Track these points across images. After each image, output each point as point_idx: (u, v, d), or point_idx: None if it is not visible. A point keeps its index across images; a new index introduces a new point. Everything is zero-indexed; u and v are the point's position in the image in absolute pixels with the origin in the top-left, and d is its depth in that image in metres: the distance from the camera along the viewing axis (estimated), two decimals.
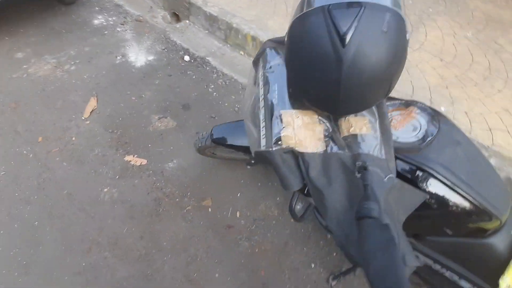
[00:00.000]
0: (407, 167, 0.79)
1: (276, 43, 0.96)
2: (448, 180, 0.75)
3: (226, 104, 2.18)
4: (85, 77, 2.27)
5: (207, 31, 2.77)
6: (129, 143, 1.92)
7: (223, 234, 1.59)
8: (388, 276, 0.46)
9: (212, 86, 2.30)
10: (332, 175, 0.74)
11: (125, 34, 2.67)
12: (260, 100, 0.86)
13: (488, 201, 0.70)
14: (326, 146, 0.77)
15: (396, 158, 0.79)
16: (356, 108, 0.74)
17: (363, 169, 0.70)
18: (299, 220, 1.09)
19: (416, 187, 0.77)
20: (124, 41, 2.60)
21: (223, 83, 2.34)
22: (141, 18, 2.83)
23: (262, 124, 0.82)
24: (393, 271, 0.46)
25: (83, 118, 2.02)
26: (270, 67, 0.87)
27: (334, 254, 1.56)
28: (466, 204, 0.75)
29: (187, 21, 2.85)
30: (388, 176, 0.72)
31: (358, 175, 0.70)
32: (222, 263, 1.49)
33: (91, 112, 2.05)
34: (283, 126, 0.77)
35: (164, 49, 2.55)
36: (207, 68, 2.43)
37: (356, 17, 0.54)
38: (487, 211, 0.70)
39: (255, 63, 0.97)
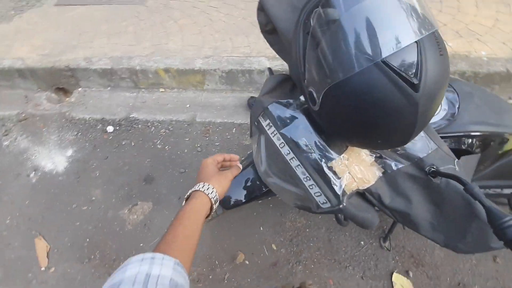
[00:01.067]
0: (453, 142, 0.76)
1: (268, 95, 0.79)
2: (485, 131, 0.75)
3: (186, 151, 1.91)
4: (8, 221, 1.71)
5: (109, 88, 2.32)
6: (117, 258, 1.56)
7: (274, 274, 1.45)
8: None
9: (159, 141, 1.97)
10: (407, 192, 0.67)
11: (18, 144, 2.07)
12: (290, 160, 0.72)
13: None
14: (384, 168, 0.69)
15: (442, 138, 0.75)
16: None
17: (436, 173, 0.65)
18: (345, 224, 1.04)
19: (468, 152, 0.76)
20: (23, 152, 2.01)
21: (167, 131, 2.03)
22: (23, 115, 2.21)
23: (309, 183, 0.68)
24: None
25: (43, 268, 1.54)
26: (284, 123, 0.71)
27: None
28: (500, 137, 0.79)
29: (80, 89, 2.34)
30: (455, 161, 0.68)
31: (437, 180, 0.65)
32: None
33: (48, 257, 1.58)
34: (340, 177, 0.66)
35: (77, 134, 2.06)
36: (139, 125, 2.06)
37: (416, 56, 0.41)
38: None
39: (257, 125, 0.79)
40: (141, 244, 1.57)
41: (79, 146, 1.97)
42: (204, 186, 0.53)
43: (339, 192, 0.65)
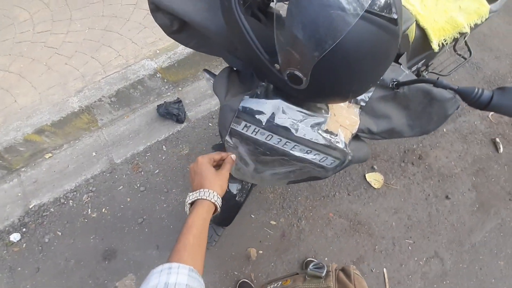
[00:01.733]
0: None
1: (229, 96, 0.66)
2: None
3: (129, 199, 1.61)
4: None
5: None
6: None
7: (288, 243, 1.47)
8: None
9: (89, 210, 1.59)
10: (385, 112, 0.71)
11: None
12: (283, 146, 0.66)
13: None
14: (359, 104, 0.71)
15: None
16: None
17: (398, 84, 0.70)
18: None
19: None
20: None
21: (90, 194, 1.64)
22: None
23: (311, 155, 0.66)
24: None
25: None
26: (263, 115, 0.63)
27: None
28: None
29: None
30: (400, 66, 0.75)
31: (401, 90, 0.70)
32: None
33: None
34: (336, 134, 0.65)
35: None
36: (51, 210, 1.59)
37: None
38: None
39: (230, 134, 0.68)
40: None
41: None
42: (207, 193, 0.51)
43: (343, 146, 0.64)
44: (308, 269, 0.61)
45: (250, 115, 0.60)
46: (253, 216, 1.50)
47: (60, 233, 1.49)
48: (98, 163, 1.69)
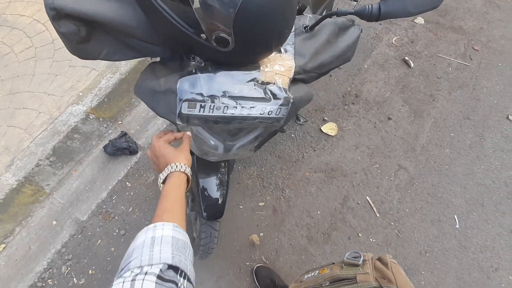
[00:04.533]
0: None
1: (164, 80, 0.70)
2: None
3: (113, 249, 1.55)
4: None
5: None
6: None
7: (283, 216, 1.58)
8: None
9: (75, 279, 1.50)
10: (310, 50, 0.80)
11: None
12: (239, 114, 0.74)
13: None
14: (287, 50, 0.82)
15: None
16: None
17: (308, 28, 0.84)
18: (284, 130, 1.24)
19: None
20: None
21: (68, 263, 1.54)
22: None
23: (259, 110, 0.72)
24: None
25: None
26: (209, 90, 0.69)
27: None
28: None
29: None
30: (303, 15, 0.89)
31: (315, 30, 0.83)
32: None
33: None
34: (273, 83, 0.72)
35: None
36: None
37: None
38: None
39: (180, 114, 0.72)
40: None
41: None
42: (174, 166, 0.54)
43: (283, 93, 0.72)
44: (345, 258, 0.62)
45: (198, 95, 0.67)
46: (241, 207, 1.57)
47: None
48: (63, 229, 1.59)
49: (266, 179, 1.63)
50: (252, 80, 0.69)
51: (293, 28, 0.80)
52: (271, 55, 0.75)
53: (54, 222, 1.60)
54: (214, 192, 1.09)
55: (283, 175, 1.63)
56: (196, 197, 1.08)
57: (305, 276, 0.71)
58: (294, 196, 1.57)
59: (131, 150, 1.73)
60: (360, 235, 1.47)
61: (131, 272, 0.33)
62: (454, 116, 1.78)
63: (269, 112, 0.73)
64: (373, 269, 0.57)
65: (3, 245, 1.55)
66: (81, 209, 1.63)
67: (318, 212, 1.53)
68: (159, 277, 0.32)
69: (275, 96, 0.71)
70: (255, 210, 1.55)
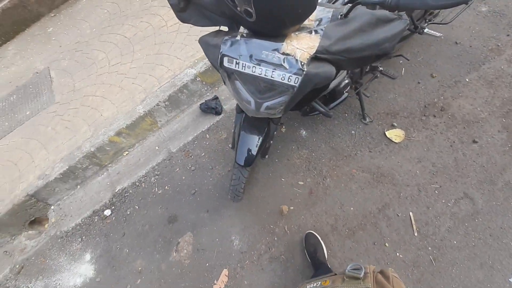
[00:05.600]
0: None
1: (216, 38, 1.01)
2: None
3: (184, 177, 2.04)
4: None
5: (79, 186, 2.33)
6: None
7: (316, 198, 1.67)
8: None
9: (156, 188, 2.07)
10: (341, 34, 0.89)
11: None
12: (265, 73, 0.94)
13: None
14: (317, 33, 0.93)
15: None
16: None
17: (344, 14, 0.93)
18: (331, 114, 1.33)
19: None
20: None
21: (156, 177, 2.13)
22: (17, 267, 2.10)
23: (280, 75, 0.90)
24: None
25: None
26: (246, 52, 0.95)
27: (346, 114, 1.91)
28: None
29: (52, 207, 2.30)
30: (345, 5, 1.00)
31: (349, 16, 0.92)
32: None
33: None
34: (293, 55, 0.89)
35: (81, 239, 2.04)
36: (130, 191, 2.12)
37: None
38: None
39: (221, 65, 0.99)
40: (207, 264, 1.68)
41: (91, 246, 1.97)
42: None
43: (298, 64, 0.88)
44: (346, 270, 0.62)
45: (235, 53, 0.94)
46: (283, 179, 1.78)
47: (137, 207, 2.00)
48: (160, 154, 2.21)
49: (313, 163, 1.77)
50: (276, 49, 0.91)
51: (330, 15, 0.94)
52: (301, 34, 0.93)
53: (156, 148, 2.25)
54: (249, 144, 1.35)
55: (330, 164, 1.73)
56: (235, 145, 1.37)
57: (307, 286, 0.73)
58: (333, 187, 1.66)
59: (217, 111, 2.20)
60: (387, 245, 1.44)
61: None
62: None
63: (288, 78, 0.92)
64: (374, 283, 0.57)
65: (126, 152, 2.32)
66: (174, 144, 2.22)
67: (352, 208, 1.57)
68: None
69: (291, 65, 0.90)
70: (293, 186, 1.73)
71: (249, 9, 0.78)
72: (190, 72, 2.23)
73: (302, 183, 1.69)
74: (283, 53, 0.87)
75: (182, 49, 2.44)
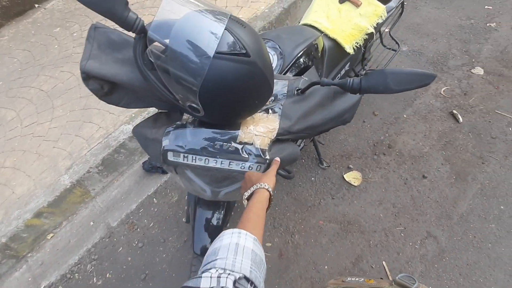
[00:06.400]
0: (296, 67, 1.03)
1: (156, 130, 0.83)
2: (302, 48, 1.06)
3: (130, 258, 1.70)
4: None
5: None
6: None
7: (286, 261, 1.54)
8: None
9: (95, 279, 1.69)
10: (299, 113, 0.84)
11: None
12: (220, 165, 0.81)
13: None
14: (275, 111, 0.86)
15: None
16: None
17: (301, 90, 0.87)
18: (291, 176, 1.24)
19: (309, 67, 1.05)
20: None
21: (93, 262, 1.74)
22: None
23: (239, 165, 0.78)
24: None
25: None
26: (194, 143, 0.79)
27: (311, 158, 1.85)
28: (311, 46, 1.11)
29: None
30: (302, 77, 0.93)
31: (307, 93, 0.86)
32: None
33: None
34: (251, 143, 0.78)
35: None
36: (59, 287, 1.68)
37: (232, 37, 0.58)
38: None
39: (165, 161, 0.82)
40: None
41: None
42: (259, 184, 0.63)
43: (259, 153, 0.78)
44: (397, 278, 0.65)
45: (182, 148, 0.76)
46: None
47: None
48: (97, 231, 1.82)
49: (278, 219, 1.63)
50: (231, 139, 0.76)
51: (285, 90, 0.85)
52: (257, 115, 0.81)
53: (91, 223, 1.85)
54: (207, 228, 1.15)
55: (296, 218, 1.61)
56: (191, 225, 1.15)
57: (348, 278, 0.73)
58: (303, 244, 1.53)
59: (164, 169, 1.93)
60: None
61: (216, 270, 0.39)
62: (507, 185, 1.53)
63: (249, 167, 0.78)
64: None
65: (51, 234, 1.86)
66: (114, 216, 1.86)
67: (326, 267, 1.45)
68: (235, 282, 0.38)
69: (251, 155, 0.76)
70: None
71: (195, 106, 0.64)
72: (126, 128, 1.95)
73: (270, 244, 1.52)
74: (240, 142, 0.73)
75: None
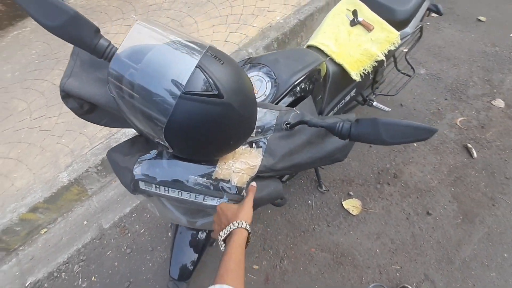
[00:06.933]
0: (291, 97, 0.97)
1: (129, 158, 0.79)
2: (301, 75, 0.99)
3: (117, 263, 1.69)
4: None
5: None
6: None
7: (273, 286, 1.48)
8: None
9: (80, 281, 1.67)
10: (285, 150, 0.78)
11: None
12: (195, 198, 0.76)
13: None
14: (260, 147, 0.80)
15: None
16: None
17: (290, 125, 0.80)
18: (282, 203, 1.17)
19: (305, 96, 0.99)
20: None
21: (81, 263, 1.73)
22: None
23: (214, 201, 0.73)
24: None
25: None
26: (166, 175, 0.74)
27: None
28: (314, 71, 1.04)
29: None
30: (294, 109, 0.86)
31: (295, 128, 0.80)
32: None
33: None
34: (228, 180, 0.73)
35: None
36: (45, 285, 1.69)
37: (204, 75, 0.53)
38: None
39: (137, 189, 0.78)
40: None
41: None
42: (235, 223, 0.59)
43: (235, 191, 0.72)
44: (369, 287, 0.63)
45: (153, 179, 0.72)
46: None
47: None
48: (89, 231, 1.82)
49: (269, 241, 1.56)
50: (207, 174, 0.71)
51: (274, 123, 0.79)
52: (239, 148, 0.75)
53: (85, 222, 1.86)
54: (187, 251, 1.10)
55: (287, 242, 1.54)
56: (171, 243, 1.11)
57: None
58: (292, 271, 1.46)
59: None
60: None
61: None
62: None
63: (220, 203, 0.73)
64: None
65: (45, 229, 1.87)
66: (107, 217, 1.85)
67: None
68: None
69: (226, 192, 0.71)
70: (247, 272, 1.49)
71: (161, 142, 0.60)
72: (129, 131, 1.94)
73: (257, 267, 1.46)
74: (216, 179, 0.68)
75: None
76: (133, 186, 0.71)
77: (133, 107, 0.56)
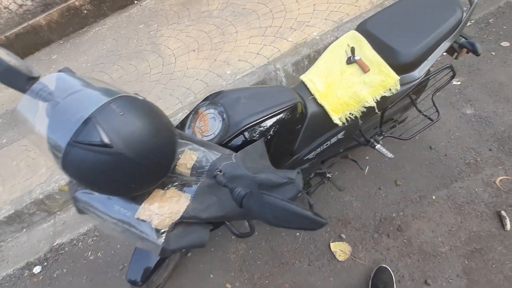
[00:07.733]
0: (240, 139, 0.95)
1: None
2: (257, 118, 0.95)
3: (119, 246, 1.90)
4: None
5: (25, 230, 2.24)
6: None
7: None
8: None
9: (89, 253, 1.94)
10: (213, 200, 0.79)
11: None
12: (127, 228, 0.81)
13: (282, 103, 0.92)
14: (189, 193, 0.81)
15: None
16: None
17: (218, 173, 0.78)
18: (249, 235, 1.13)
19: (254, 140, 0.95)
20: None
21: (95, 238, 2.01)
22: None
23: (138, 236, 0.76)
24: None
25: None
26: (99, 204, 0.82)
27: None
28: (291, 108, 0.99)
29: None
30: (233, 155, 0.84)
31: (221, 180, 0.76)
32: None
33: None
34: (148, 221, 0.74)
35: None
36: (66, 249, 2.00)
37: (95, 127, 0.57)
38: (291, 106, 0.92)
39: (80, 212, 0.87)
40: None
41: None
42: None
43: (153, 235, 0.73)
44: None
45: (91, 206, 0.80)
46: (211, 276, 1.59)
47: (65, 270, 1.87)
48: None
49: (247, 264, 1.57)
50: (130, 211, 0.76)
51: (210, 159, 0.80)
52: (170, 190, 0.79)
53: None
54: (146, 258, 1.19)
55: (264, 270, 1.53)
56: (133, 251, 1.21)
57: None
58: None
59: None
60: None
61: None
62: None
63: (143, 244, 0.77)
64: None
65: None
66: None
67: None
68: None
69: (145, 232, 0.75)
70: (220, 287, 1.53)
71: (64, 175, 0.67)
72: None
73: (229, 286, 1.48)
74: (138, 219, 0.72)
75: (156, 101, 2.37)
76: (77, 208, 0.82)
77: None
